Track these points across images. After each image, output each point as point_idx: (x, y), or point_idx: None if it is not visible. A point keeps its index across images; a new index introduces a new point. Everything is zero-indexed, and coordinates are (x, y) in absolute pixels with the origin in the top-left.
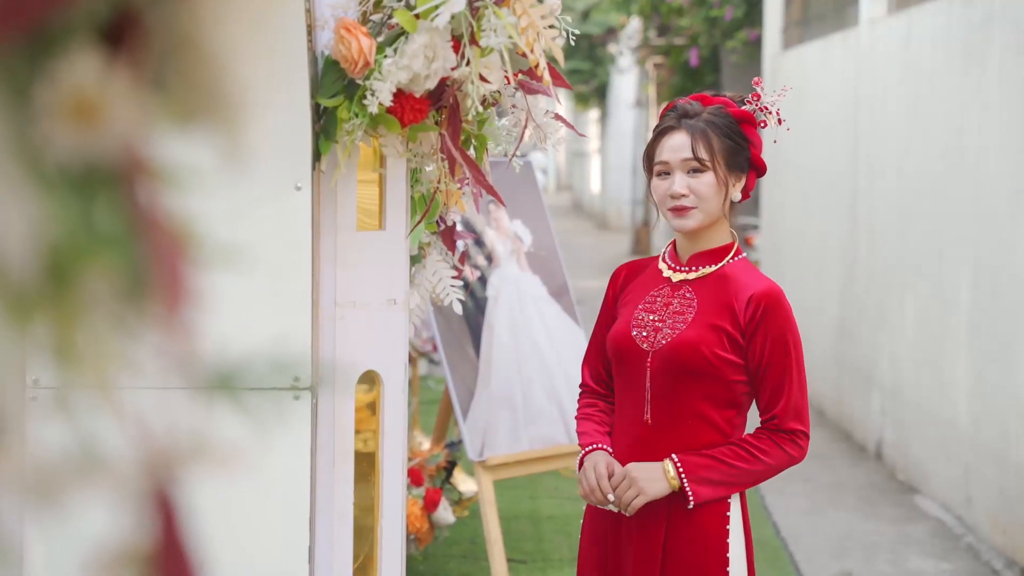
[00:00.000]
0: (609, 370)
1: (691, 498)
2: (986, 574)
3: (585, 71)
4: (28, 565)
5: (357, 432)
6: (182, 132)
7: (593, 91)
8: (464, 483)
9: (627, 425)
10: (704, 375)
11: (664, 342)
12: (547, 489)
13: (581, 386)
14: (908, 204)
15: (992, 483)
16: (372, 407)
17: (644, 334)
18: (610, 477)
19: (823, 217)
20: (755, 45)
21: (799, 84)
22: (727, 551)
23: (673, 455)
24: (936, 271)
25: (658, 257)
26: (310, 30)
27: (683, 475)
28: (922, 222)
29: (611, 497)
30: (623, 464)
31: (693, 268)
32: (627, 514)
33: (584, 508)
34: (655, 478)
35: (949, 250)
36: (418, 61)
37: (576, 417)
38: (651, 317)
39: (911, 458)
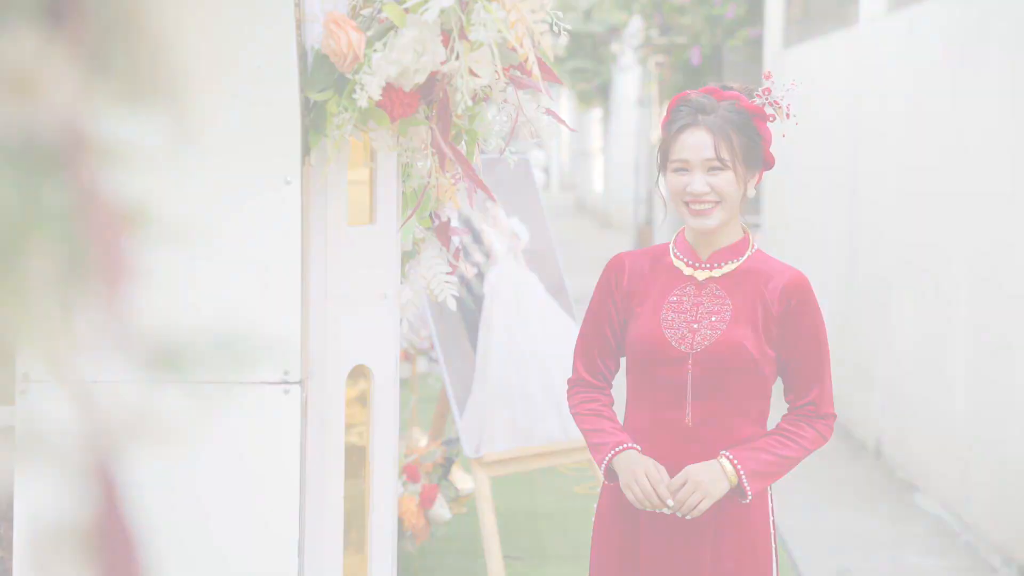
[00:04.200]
0: (608, 364)
1: (748, 493)
2: (984, 571)
3: (587, 70)
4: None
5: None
6: (127, 111)
7: (595, 90)
8: (461, 480)
9: (662, 425)
10: (747, 372)
11: (705, 344)
12: (544, 486)
13: (574, 380)
14: (908, 202)
15: (991, 481)
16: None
17: (679, 336)
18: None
19: (823, 214)
20: (756, 43)
21: (800, 82)
22: (771, 540)
23: (726, 452)
24: (935, 268)
25: (662, 250)
26: (299, 24)
27: (741, 471)
28: (922, 220)
29: (671, 502)
30: (662, 463)
31: (717, 265)
32: (688, 518)
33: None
34: (716, 478)
35: (948, 248)
36: (407, 55)
37: (576, 412)
38: (681, 318)
39: (910, 456)
